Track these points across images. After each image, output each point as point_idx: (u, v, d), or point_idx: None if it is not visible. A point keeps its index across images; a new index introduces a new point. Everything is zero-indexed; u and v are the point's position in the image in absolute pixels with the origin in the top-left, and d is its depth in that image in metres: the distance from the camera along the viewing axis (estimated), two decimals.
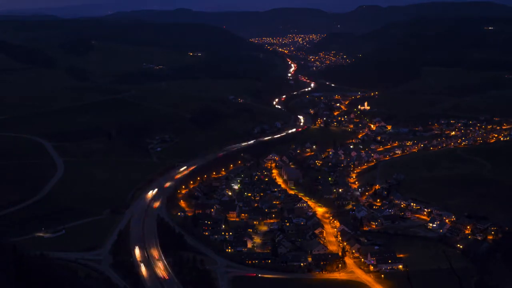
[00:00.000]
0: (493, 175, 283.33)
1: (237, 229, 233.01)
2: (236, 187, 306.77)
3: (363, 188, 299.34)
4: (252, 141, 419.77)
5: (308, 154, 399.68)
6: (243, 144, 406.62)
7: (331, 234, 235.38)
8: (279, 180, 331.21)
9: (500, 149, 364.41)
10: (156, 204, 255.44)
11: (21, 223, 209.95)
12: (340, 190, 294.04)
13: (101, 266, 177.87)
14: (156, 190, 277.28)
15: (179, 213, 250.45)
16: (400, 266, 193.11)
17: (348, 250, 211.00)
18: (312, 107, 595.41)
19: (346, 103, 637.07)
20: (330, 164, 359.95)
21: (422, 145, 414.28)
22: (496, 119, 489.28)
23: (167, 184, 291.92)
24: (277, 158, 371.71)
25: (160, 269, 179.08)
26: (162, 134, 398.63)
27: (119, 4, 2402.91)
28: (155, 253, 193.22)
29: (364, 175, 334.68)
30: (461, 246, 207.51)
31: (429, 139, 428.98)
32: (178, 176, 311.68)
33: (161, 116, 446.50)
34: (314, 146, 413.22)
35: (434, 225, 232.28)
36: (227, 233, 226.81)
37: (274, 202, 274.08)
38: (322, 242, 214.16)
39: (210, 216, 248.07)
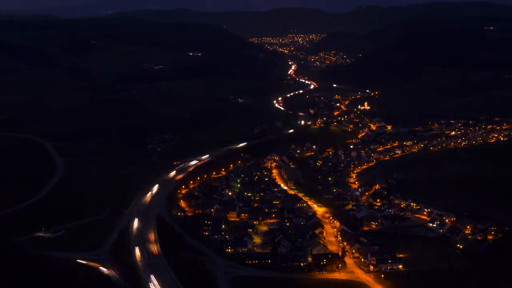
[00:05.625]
0: (493, 175, 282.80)
1: (237, 229, 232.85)
2: (236, 187, 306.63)
3: (363, 188, 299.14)
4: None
5: (308, 154, 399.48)
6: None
7: (331, 234, 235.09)
8: (279, 180, 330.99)
9: (500, 149, 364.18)
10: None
11: (21, 223, 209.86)
12: (340, 190, 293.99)
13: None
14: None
15: (179, 213, 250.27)
16: (400, 266, 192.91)
17: (348, 250, 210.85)
18: (312, 107, 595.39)
19: (346, 103, 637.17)
20: (330, 164, 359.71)
21: (422, 145, 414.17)
22: (496, 119, 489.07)
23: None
24: (277, 158, 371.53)
25: (160, 269, 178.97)
26: (162, 134, 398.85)
27: (119, 4, 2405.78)
28: (155, 252, 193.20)
29: (364, 175, 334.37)
30: (461, 246, 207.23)
31: (429, 139, 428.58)
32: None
33: (161, 116, 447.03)
34: (314, 146, 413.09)
35: (434, 225, 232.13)
36: (227, 233, 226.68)
37: (274, 202, 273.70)
38: (322, 242, 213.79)
39: (210, 216, 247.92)
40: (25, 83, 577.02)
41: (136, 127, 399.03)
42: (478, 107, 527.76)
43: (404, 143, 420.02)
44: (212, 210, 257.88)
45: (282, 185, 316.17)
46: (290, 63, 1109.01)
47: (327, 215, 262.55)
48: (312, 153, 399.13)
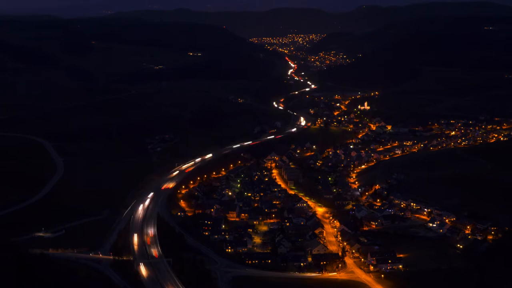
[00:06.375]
0: (493, 175, 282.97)
1: (237, 229, 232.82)
2: (236, 187, 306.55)
3: (363, 188, 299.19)
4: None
5: (308, 154, 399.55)
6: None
7: (331, 234, 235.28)
8: (279, 180, 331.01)
9: (500, 149, 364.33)
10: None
11: (21, 223, 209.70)
12: (340, 190, 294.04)
13: (101, 266, 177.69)
14: None
15: (179, 213, 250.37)
16: (400, 266, 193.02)
17: (348, 250, 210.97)
18: (312, 107, 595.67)
19: (346, 103, 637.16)
20: (330, 164, 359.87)
21: (422, 145, 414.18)
22: (496, 119, 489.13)
23: None
24: (277, 158, 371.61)
25: (160, 269, 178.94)
26: (162, 134, 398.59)
27: (119, 4, 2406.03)
28: (155, 253, 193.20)
29: (364, 175, 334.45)
30: (461, 246, 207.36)
31: (429, 139, 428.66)
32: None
33: (161, 116, 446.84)
34: (314, 146, 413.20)
35: (434, 225, 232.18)
36: (227, 233, 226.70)
37: (274, 202, 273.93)
38: (322, 242, 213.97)
39: (210, 216, 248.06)
40: (25, 83, 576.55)
41: (136, 127, 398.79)
42: (478, 107, 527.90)
43: (404, 143, 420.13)
44: (212, 210, 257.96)
45: (282, 185, 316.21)
46: (290, 63, 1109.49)
47: (327, 215, 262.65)
48: (312, 153, 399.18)
